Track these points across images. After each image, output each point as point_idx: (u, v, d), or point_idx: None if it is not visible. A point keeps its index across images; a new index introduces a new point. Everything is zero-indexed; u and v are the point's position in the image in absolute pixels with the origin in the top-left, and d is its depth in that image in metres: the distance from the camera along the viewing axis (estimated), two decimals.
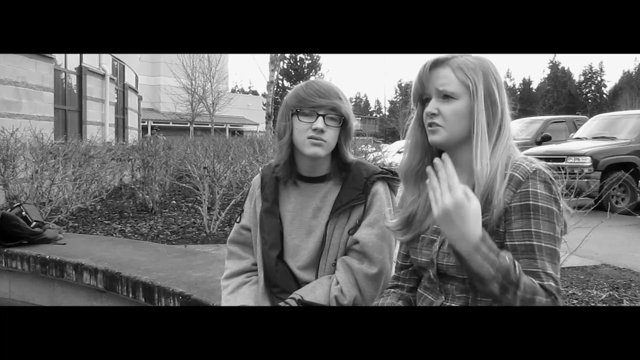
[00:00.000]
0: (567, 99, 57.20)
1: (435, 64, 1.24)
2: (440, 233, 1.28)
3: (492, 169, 1.18)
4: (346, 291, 1.51)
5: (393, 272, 1.50)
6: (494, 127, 1.22)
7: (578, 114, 19.26)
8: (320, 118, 1.50)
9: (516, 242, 1.15)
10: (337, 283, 1.52)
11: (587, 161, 7.48)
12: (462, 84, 1.22)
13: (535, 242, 1.14)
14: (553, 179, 1.18)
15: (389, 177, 1.59)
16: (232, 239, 1.74)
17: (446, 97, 1.23)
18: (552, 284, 1.12)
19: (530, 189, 1.15)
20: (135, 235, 4.85)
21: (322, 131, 1.50)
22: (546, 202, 1.15)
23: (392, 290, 1.43)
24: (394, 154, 8.74)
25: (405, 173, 1.34)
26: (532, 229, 1.14)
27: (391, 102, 62.45)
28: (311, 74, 37.60)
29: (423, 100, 1.29)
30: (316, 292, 1.51)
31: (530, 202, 1.15)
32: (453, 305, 1.24)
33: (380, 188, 1.57)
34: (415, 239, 1.33)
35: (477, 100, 1.21)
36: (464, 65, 1.22)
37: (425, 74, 1.25)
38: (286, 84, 37.52)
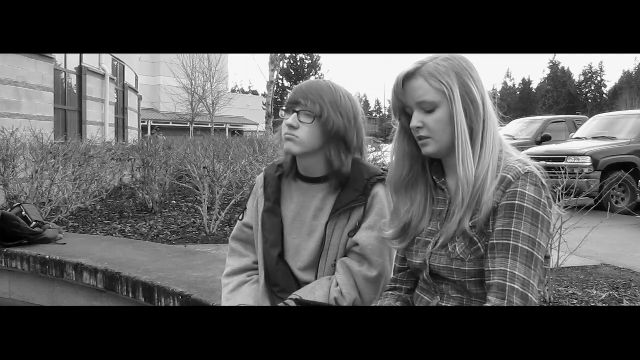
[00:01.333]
0: (567, 99, 57.19)
1: (407, 77, 1.23)
2: (434, 235, 1.28)
3: (483, 169, 1.17)
4: (346, 293, 1.50)
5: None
6: (478, 125, 1.20)
7: (578, 114, 19.26)
8: (295, 115, 1.51)
9: (495, 241, 1.14)
10: (337, 285, 1.52)
11: (587, 161, 7.48)
12: (438, 91, 1.20)
13: (512, 242, 1.12)
14: (545, 184, 1.16)
15: None
16: (234, 236, 1.75)
17: (426, 108, 1.21)
18: (518, 287, 1.08)
19: (518, 189, 1.14)
20: (135, 235, 4.84)
21: (292, 127, 1.50)
22: (532, 205, 1.13)
23: (390, 292, 1.43)
24: None
25: (396, 184, 1.33)
26: (512, 229, 1.12)
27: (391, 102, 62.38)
28: (311, 74, 37.58)
29: (406, 112, 1.28)
30: (316, 293, 1.51)
31: (516, 202, 1.13)
32: (449, 305, 1.25)
33: (380, 190, 1.56)
34: (411, 242, 1.33)
35: (455, 103, 1.19)
36: (435, 72, 1.20)
37: (400, 89, 1.24)
38: (286, 84, 37.51)
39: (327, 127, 1.51)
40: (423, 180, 1.32)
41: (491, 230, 1.16)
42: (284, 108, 1.55)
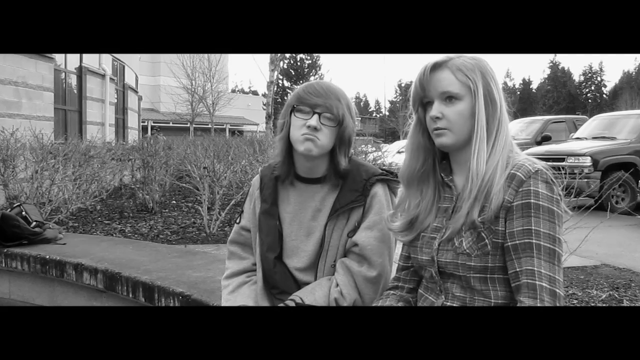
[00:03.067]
0: (567, 99, 57.18)
1: (434, 67, 1.25)
2: (439, 231, 1.28)
3: (492, 164, 1.20)
4: (346, 294, 1.50)
5: (393, 274, 1.50)
6: (493, 124, 1.23)
7: (578, 114, 19.26)
8: (316, 116, 1.50)
9: (517, 241, 1.15)
10: (337, 285, 1.51)
11: (587, 161, 7.48)
12: (463, 84, 1.23)
13: (534, 241, 1.13)
14: (554, 180, 1.19)
15: (388, 178, 1.59)
16: (232, 239, 1.74)
17: (449, 99, 1.24)
18: (545, 284, 1.11)
19: (532, 188, 1.16)
20: (135, 235, 4.84)
21: (315, 129, 1.49)
22: (547, 202, 1.15)
23: (392, 292, 1.43)
24: (394, 154, 8.75)
25: (409, 177, 1.34)
26: (532, 227, 1.14)
27: (391, 102, 62.43)
28: (311, 74, 37.60)
29: (424, 104, 1.30)
30: (315, 294, 1.50)
31: (532, 201, 1.15)
32: (454, 305, 1.25)
33: (379, 190, 1.56)
34: (416, 237, 1.33)
35: (479, 99, 1.22)
36: (462, 67, 1.23)
37: (426, 77, 1.26)
38: (286, 84, 37.52)
39: (343, 131, 1.53)
40: (433, 175, 1.34)
41: (503, 229, 1.17)
42: (299, 107, 1.51)
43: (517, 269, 1.14)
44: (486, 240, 1.19)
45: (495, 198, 1.17)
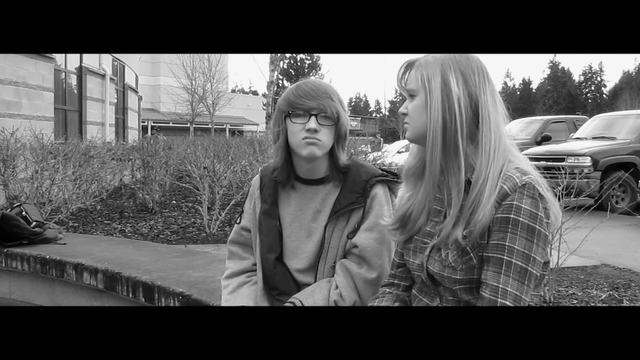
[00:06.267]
0: (567, 99, 57.21)
1: (407, 68, 1.29)
2: (432, 236, 1.27)
3: (479, 176, 1.14)
4: (345, 296, 1.50)
5: None
6: (453, 122, 1.17)
7: (578, 114, 19.26)
8: (313, 118, 1.49)
9: (490, 254, 1.13)
10: (337, 287, 1.51)
11: (587, 161, 7.48)
12: (418, 80, 1.23)
13: (505, 257, 1.10)
14: (543, 194, 1.12)
15: (388, 179, 1.58)
16: (232, 239, 1.74)
17: (410, 95, 1.26)
18: (509, 303, 1.08)
19: (514, 203, 1.11)
20: (135, 235, 4.85)
21: (315, 131, 1.49)
22: (528, 219, 1.10)
23: (387, 290, 1.42)
24: (394, 154, 8.77)
25: (407, 171, 1.35)
26: (507, 243, 1.10)
27: (391, 102, 62.42)
28: (311, 74, 37.64)
29: None
30: (315, 296, 1.50)
31: (512, 216, 1.10)
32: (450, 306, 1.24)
33: (379, 191, 1.56)
34: (409, 239, 1.33)
35: (430, 93, 1.20)
36: (424, 62, 1.24)
37: (400, 78, 1.31)
38: (286, 84, 37.55)
39: (340, 128, 1.54)
40: None
41: (486, 242, 1.15)
42: (294, 112, 1.51)
43: (484, 280, 1.13)
44: (471, 254, 1.16)
45: (480, 223, 1.12)
